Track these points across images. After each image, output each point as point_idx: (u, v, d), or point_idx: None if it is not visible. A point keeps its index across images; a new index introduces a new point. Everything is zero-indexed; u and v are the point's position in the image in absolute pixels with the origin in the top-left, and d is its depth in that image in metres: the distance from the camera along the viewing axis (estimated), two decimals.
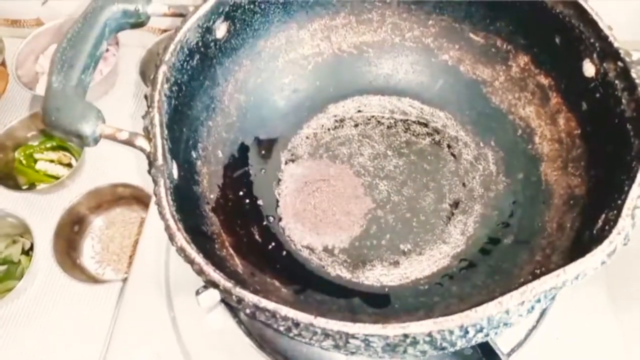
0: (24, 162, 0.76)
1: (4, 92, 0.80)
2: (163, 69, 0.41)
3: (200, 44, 0.45)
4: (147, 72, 0.79)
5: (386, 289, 0.48)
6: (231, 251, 0.45)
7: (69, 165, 0.78)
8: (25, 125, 0.76)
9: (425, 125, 0.56)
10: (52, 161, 0.77)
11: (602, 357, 0.49)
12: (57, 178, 0.75)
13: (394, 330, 0.32)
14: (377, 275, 0.48)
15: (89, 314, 0.63)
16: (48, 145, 0.78)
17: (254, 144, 0.54)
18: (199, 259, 0.34)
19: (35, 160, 0.77)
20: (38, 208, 0.72)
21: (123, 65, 0.82)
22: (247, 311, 0.34)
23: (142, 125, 0.40)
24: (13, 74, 0.77)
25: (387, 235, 0.50)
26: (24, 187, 0.76)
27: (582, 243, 0.41)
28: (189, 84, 0.45)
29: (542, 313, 0.50)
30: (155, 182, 0.37)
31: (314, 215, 0.51)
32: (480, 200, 0.51)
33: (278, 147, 0.55)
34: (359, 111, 0.57)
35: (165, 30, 0.85)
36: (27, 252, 0.71)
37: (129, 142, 0.39)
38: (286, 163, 0.55)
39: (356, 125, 0.57)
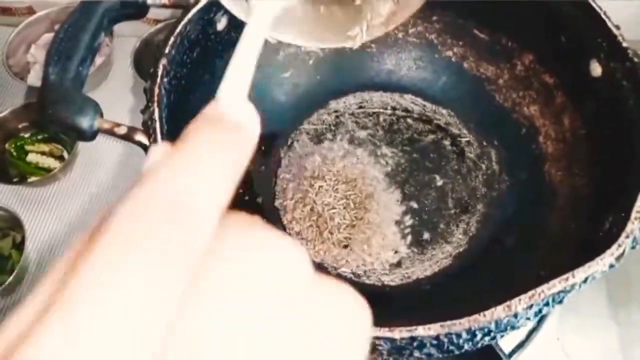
0: (14, 154, 0.74)
1: None
2: (163, 62, 0.40)
3: (200, 36, 0.44)
4: (141, 63, 0.77)
5: (387, 289, 0.47)
6: None
7: (61, 157, 0.76)
8: (16, 116, 0.74)
9: (428, 122, 0.55)
10: (43, 153, 0.75)
11: (600, 357, 0.49)
12: (48, 171, 0.74)
13: (401, 333, 0.31)
14: (379, 275, 0.48)
15: None
16: (39, 137, 0.76)
17: None
18: None
19: (26, 153, 0.75)
20: (29, 201, 0.71)
21: (117, 56, 0.81)
22: None
23: (140, 119, 0.39)
24: (4, 64, 0.75)
25: (388, 234, 0.49)
26: (15, 180, 0.75)
27: (587, 245, 0.40)
28: (188, 77, 0.44)
29: (543, 314, 0.50)
30: None
31: (314, 212, 0.50)
32: (483, 199, 0.51)
33: (278, 143, 0.54)
34: (361, 107, 0.56)
35: (159, 21, 0.83)
36: (18, 246, 0.69)
37: (127, 138, 0.38)
38: (286, 159, 0.54)
39: (357, 122, 0.56)
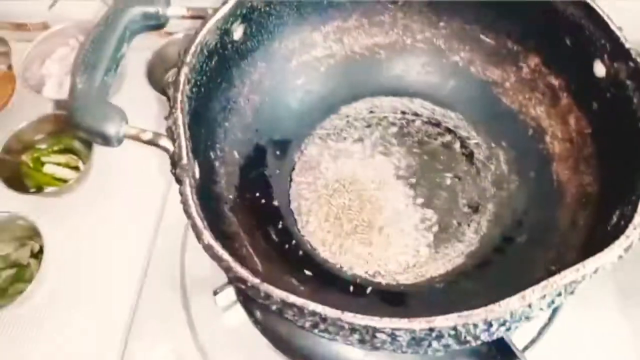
0: (31, 165, 0.76)
1: (11, 96, 0.80)
2: (185, 70, 0.42)
3: (218, 45, 0.46)
4: (154, 74, 0.79)
5: (402, 287, 0.48)
6: (250, 251, 0.45)
7: (77, 168, 0.78)
8: (33, 129, 0.76)
9: (437, 125, 0.57)
10: (59, 164, 0.77)
11: (612, 351, 0.50)
12: (65, 181, 0.75)
13: (420, 324, 0.32)
14: (393, 274, 0.49)
15: (103, 316, 0.62)
16: (56, 149, 0.78)
17: (269, 145, 0.55)
18: (226, 256, 0.35)
19: (43, 164, 0.77)
20: (46, 211, 0.72)
21: (130, 69, 0.83)
22: (274, 307, 0.34)
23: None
24: (20, 78, 0.77)
25: (402, 234, 0.51)
26: (32, 190, 0.76)
27: (595, 240, 0.41)
28: (207, 85, 0.46)
29: (555, 310, 0.51)
30: (180, 181, 0.38)
31: (330, 215, 0.52)
32: (493, 199, 0.52)
33: (292, 148, 0.56)
34: (371, 112, 0.58)
35: (170, 34, 0.85)
36: (36, 254, 0.71)
37: (152, 143, 0.39)
38: (300, 164, 0.55)
39: (368, 126, 0.57)
